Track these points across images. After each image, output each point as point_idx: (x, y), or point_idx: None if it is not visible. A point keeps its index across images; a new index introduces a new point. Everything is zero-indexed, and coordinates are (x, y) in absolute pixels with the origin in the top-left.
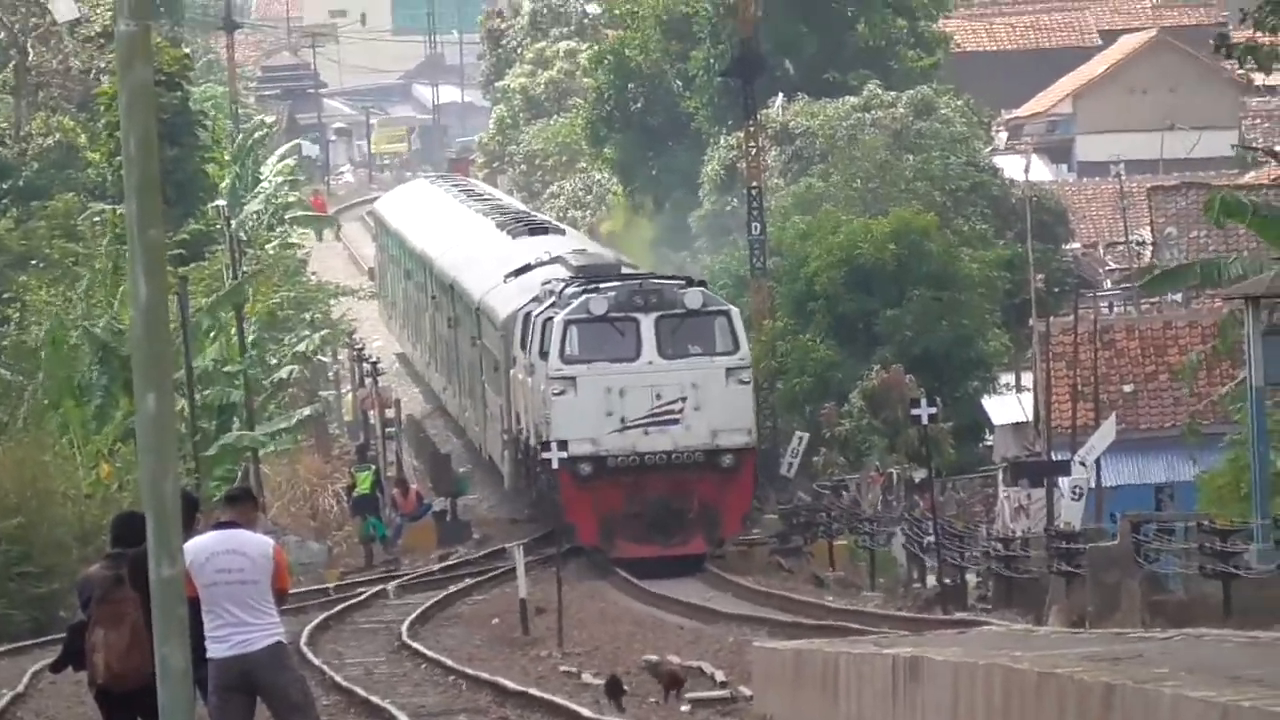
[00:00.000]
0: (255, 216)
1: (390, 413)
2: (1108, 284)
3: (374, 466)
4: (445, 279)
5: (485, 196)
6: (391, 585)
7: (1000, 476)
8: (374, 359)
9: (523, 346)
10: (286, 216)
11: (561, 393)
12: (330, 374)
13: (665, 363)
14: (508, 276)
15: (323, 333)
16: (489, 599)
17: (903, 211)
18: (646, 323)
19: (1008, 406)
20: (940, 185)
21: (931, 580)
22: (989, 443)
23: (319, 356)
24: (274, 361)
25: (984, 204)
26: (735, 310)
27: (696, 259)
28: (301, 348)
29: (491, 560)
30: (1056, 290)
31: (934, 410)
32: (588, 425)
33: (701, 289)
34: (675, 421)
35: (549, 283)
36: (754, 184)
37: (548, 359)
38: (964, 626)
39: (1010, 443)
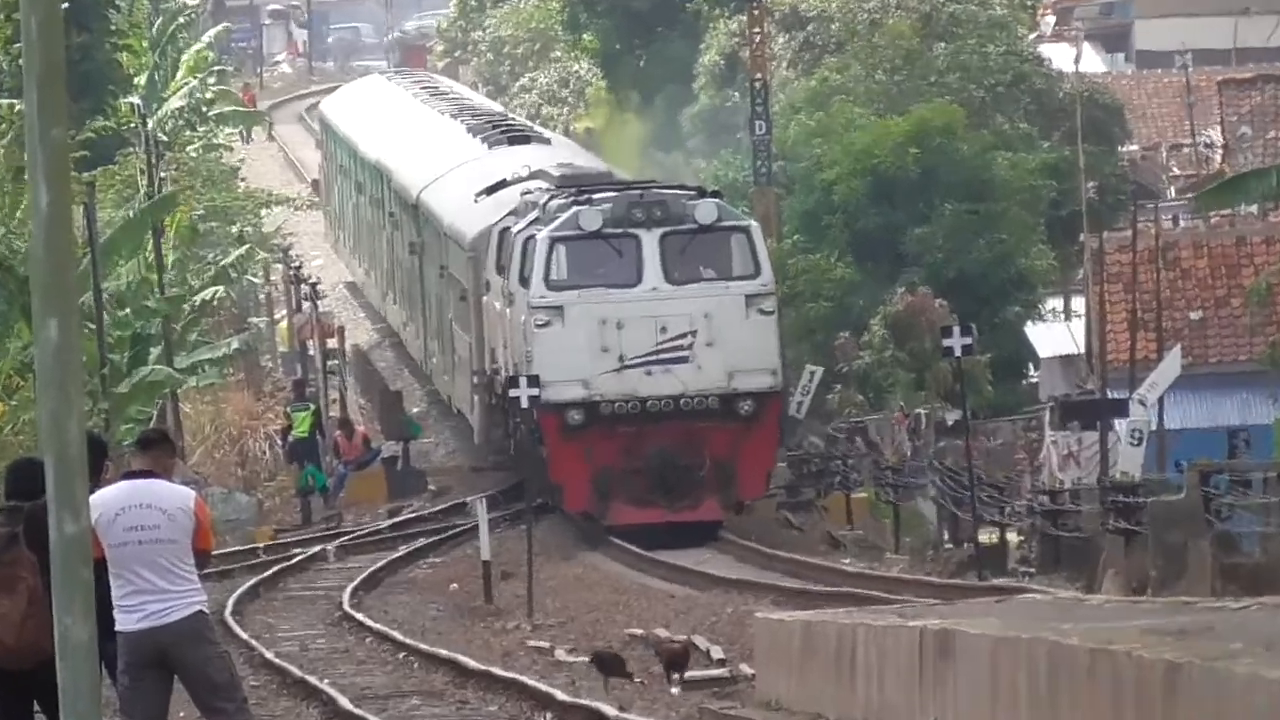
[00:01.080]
0: (176, 114)
1: (332, 343)
2: (1171, 193)
3: (313, 405)
4: (407, 195)
5: (453, 95)
6: (332, 545)
7: (1047, 418)
8: (313, 279)
9: (499, 270)
10: (210, 113)
11: (546, 324)
12: (262, 297)
13: (672, 289)
14: (479, 195)
15: (247, 246)
16: (446, 562)
17: (923, 109)
18: (649, 240)
19: (1055, 336)
20: (976, 78)
21: (966, 541)
22: (1033, 379)
23: (248, 277)
24: (196, 283)
25: (1027, 100)
26: (756, 226)
27: (690, 163)
28: (225, 263)
29: (450, 516)
30: (1111, 200)
31: (969, 340)
32: (578, 364)
33: (716, 200)
34: (684, 360)
35: (530, 193)
36: (758, 76)
37: (529, 285)
38: (1003, 594)
39: (1058, 379)
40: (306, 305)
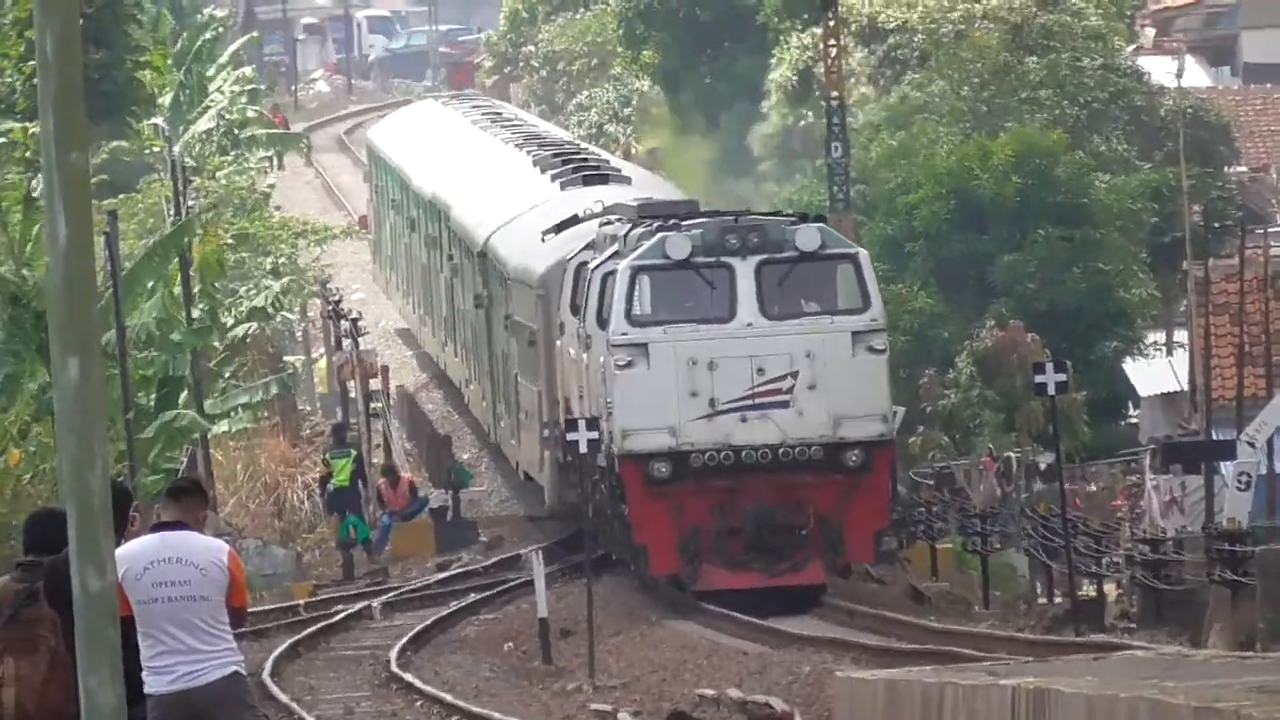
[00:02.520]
0: (204, 137)
1: (375, 383)
2: None
3: (354, 452)
4: (471, 242)
5: (517, 123)
6: (377, 602)
7: (1147, 461)
8: (354, 314)
9: (574, 311)
10: (241, 136)
11: (627, 365)
12: (298, 334)
13: (770, 324)
14: (546, 234)
15: (286, 279)
16: (500, 619)
17: (1027, 129)
18: (744, 270)
19: (1156, 373)
20: (1071, 95)
21: (1061, 594)
22: (1133, 419)
23: (284, 313)
24: (228, 321)
25: (1126, 118)
26: (864, 254)
27: (760, 188)
28: (260, 301)
29: (503, 570)
30: (1218, 226)
31: (1063, 377)
32: (664, 410)
33: (819, 225)
34: (784, 404)
35: (609, 223)
36: (834, 94)
37: (609, 325)
38: (1102, 651)
39: (1160, 419)
40: (347, 343)
